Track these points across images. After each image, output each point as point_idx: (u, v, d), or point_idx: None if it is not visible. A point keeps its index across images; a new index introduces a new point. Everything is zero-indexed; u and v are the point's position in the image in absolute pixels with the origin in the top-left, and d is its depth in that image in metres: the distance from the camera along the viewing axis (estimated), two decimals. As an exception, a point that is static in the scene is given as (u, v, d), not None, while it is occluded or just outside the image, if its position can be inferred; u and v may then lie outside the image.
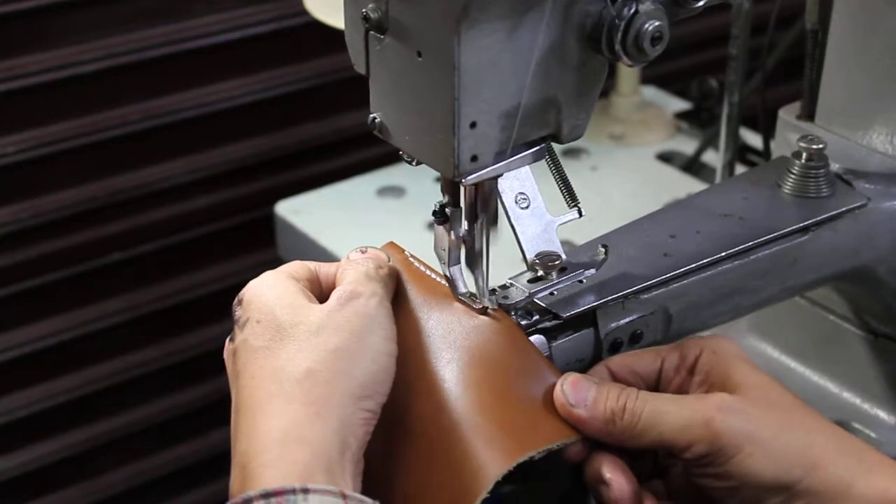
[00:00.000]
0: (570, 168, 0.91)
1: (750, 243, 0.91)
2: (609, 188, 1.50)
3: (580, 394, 0.76)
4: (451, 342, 0.79)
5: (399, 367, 0.76)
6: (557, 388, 0.77)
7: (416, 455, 0.76)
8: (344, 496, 0.68)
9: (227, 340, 0.78)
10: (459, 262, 0.82)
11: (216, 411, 1.84)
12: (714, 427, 0.74)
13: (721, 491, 0.75)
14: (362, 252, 0.81)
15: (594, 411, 0.76)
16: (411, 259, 0.84)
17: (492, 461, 0.73)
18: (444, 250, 0.81)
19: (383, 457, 0.77)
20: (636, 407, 0.75)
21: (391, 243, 0.85)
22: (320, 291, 0.80)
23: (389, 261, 0.82)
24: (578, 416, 0.76)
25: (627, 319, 0.85)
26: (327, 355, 0.73)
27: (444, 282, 0.83)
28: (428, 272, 0.83)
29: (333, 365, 0.72)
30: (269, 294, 0.76)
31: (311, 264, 0.81)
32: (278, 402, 0.71)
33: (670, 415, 0.75)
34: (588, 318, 0.83)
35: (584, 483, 0.78)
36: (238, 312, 0.77)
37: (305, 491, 0.67)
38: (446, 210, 0.80)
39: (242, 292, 0.78)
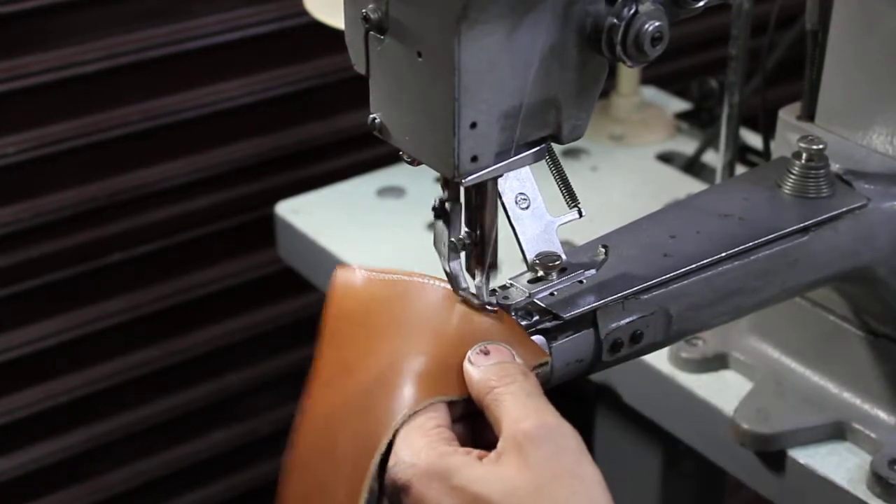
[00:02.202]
0: (570, 168, 0.91)
1: (750, 244, 0.91)
2: (609, 188, 1.50)
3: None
4: (410, 321, 0.81)
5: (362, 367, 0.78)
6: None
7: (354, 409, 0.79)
8: None
9: None
10: (460, 258, 0.82)
11: (216, 411, 1.84)
12: None
13: None
14: (485, 353, 0.78)
15: None
16: (358, 269, 0.85)
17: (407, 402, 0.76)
18: (444, 246, 0.81)
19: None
20: None
21: (342, 266, 0.86)
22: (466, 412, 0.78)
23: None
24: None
25: (627, 320, 0.85)
26: None
27: (405, 278, 0.83)
28: (382, 275, 0.84)
29: None
30: (446, 472, 0.72)
31: (442, 401, 0.77)
32: None
33: None
34: (588, 319, 0.83)
35: None
36: (409, 502, 0.72)
37: None
38: (446, 206, 0.80)
39: (406, 480, 0.73)
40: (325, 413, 0.81)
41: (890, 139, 1.00)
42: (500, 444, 0.73)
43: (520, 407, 0.74)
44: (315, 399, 0.82)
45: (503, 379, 0.75)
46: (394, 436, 0.76)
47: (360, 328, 0.82)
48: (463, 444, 0.75)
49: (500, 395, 0.75)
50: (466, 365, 0.77)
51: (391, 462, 0.74)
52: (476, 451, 0.73)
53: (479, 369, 0.76)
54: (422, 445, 0.74)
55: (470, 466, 0.72)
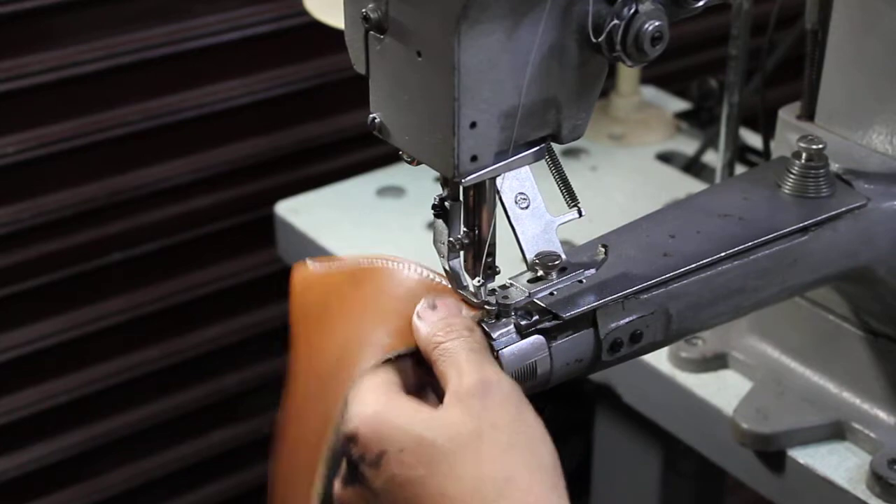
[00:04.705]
0: (570, 168, 0.91)
1: (750, 243, 0.91)
2: (609, 188, 1.50)
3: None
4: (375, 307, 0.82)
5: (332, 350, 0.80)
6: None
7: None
8: None
9: (341, 485, 0.76)
10: (459, 256, 0.82)
11: (216, 411, 1.84)
12: None
13: None
14: (433, 308, 0.80)
15: None
16: (312, 264, 0.87)
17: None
18: (444, 244, 0.81)
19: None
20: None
21: (298, 264, 0.87)
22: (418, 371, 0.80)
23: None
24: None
25: (627, 319, 0.85)
26: (509, 456, 0.73)
27: (360, 265, 0.85)
28: (337, 264, 0.86)
29: (521, 460, 0.73)
30: (391, 418, 0.74)
31: (393, 361, 0.79)
32: None
33: None
34: (588, 319, 0.83)
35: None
36: (357, 451, 0.75)
37: None
38: (446, 204, 0.80)
39: (352, 429, 0.75)
40: (297, 406, 0.83)
41: (890, 139, 1.00)
42: (445, 400, 0.76)
43: (462, 363, 0.77)
44: (290, 399, 0.84)
45: (449, 334, 0.78)
46: None
47: (321, 321, 0.84)
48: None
49: (445, 350, 0.77)
50: (415, 319, 0.80)
51: (343, 419, 0.77)
52: (422, 403, 0.77)
53: (426, 323, 0.79)
54: (369, 397, 0.76)
55: (416, 411, 0.75)
